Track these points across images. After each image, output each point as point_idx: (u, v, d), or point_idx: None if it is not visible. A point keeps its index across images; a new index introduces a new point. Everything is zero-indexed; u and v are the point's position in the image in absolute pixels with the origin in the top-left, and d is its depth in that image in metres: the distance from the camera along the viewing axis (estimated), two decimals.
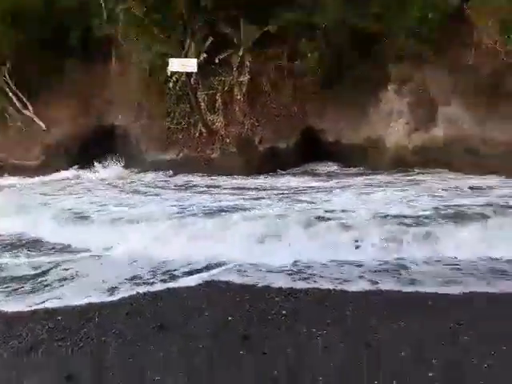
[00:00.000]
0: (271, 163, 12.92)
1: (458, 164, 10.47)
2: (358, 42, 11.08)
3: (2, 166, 16.36)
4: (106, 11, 13.87)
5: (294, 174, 12.05)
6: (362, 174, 11.20)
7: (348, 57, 11.37)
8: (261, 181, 11.46)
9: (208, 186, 11.23)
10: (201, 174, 12.66)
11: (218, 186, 11.16)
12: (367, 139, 12.01)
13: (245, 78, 12.93)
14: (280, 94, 12.85)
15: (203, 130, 13.59)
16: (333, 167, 12.39)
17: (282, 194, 9.51)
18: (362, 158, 11.95)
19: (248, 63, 12.75)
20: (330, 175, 11.55)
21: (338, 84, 11.86)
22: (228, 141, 13.35)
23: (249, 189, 10.41)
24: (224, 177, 12.11)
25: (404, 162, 11.25)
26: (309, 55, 11.59)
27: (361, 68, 11.38)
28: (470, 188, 8.69)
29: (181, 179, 12.53)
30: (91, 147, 14.53)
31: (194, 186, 11.51)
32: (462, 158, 10.48)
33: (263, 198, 9.02)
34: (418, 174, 10.55)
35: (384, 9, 10.86)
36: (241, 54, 12.69)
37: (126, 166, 13.95)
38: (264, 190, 10.29)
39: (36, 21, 14.18)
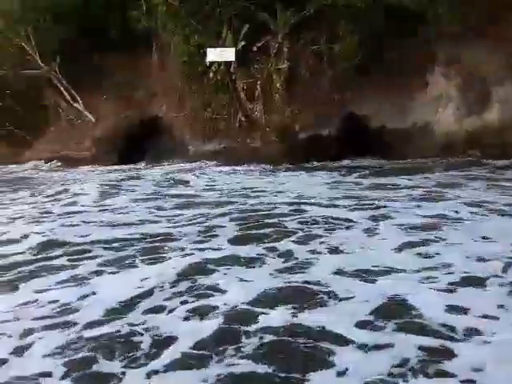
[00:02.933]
0: (313, 151, 12.68)
1: None
2: (398, 22, 10.34)
3: (57, 157, 17.41)
4: (145, 3, 13.91)
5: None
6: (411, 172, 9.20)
7: (388, 38, 10.68)
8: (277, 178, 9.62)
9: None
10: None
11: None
12: (414, 125, 11.40)
13: (284, 65, 12.60)
14: (319, 80, 12.41)
15: (243, 120, 13.54)
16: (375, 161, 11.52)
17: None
18: (408, 146, 11.40)
19: (286, 49, 12.38)
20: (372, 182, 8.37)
21: (380, 67, 11.24)
22: (268, 129, 13.23)
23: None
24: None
25: (454, 150, 10.60)
26: (348, 39, 11.02)
27: (402, 50, 10.68)
28: None
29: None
30: (136, 139, 14.98)
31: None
32: None
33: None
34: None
35: None
36: (279, 40, 12.33)
37: (169, 158, 14.27)
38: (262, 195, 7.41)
39: (76, 16, 14.59)
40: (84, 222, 5.86)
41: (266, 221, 5.37)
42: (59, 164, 16.54)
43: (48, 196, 8.46)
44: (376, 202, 6.24)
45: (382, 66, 11.26)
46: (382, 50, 11.08)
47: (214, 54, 12.93)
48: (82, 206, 7.14)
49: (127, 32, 14.46)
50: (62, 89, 16.80)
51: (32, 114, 17.52)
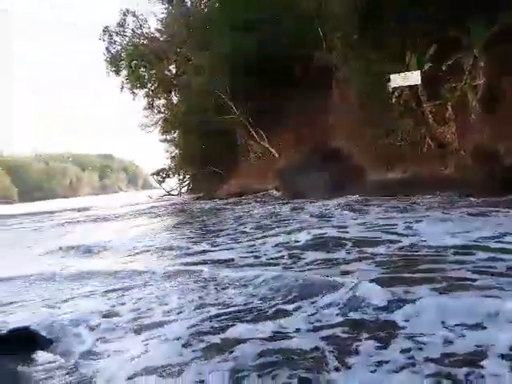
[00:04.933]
0: None
1: None
2: None
3: (246, 190, 19.08)
4: (325, 42, 14.46)
5: None
6: None
7: None
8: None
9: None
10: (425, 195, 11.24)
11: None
12: None
13: (480, 81, 11.23)
14: None
15: (431, 144, 12.50)
16: None
17: None
18: None
19: (483, 64, 11.04)
20: None
21: None
22: (464, 154, 11.85)
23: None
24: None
25: None
26: None
27: None
28: None
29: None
30: (316, 172, 15.26)
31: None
32: None
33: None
34: None
35: None
36: (474, 55, 11.09)
37: (349, 189, 14.02)
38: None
39: (261, 63, 15.91)
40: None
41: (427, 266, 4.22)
42: (248, 196, 18.09)
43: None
44: None
45: None
46: None
47: (399, 80, 12.43)
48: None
49: (307, 69, 15.20)
50: (251, 130, 18.61)
51: (226, 152, 19.86)
